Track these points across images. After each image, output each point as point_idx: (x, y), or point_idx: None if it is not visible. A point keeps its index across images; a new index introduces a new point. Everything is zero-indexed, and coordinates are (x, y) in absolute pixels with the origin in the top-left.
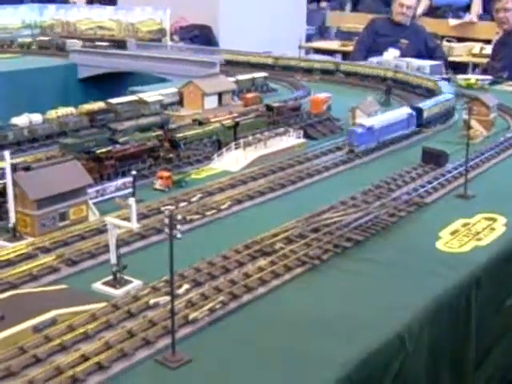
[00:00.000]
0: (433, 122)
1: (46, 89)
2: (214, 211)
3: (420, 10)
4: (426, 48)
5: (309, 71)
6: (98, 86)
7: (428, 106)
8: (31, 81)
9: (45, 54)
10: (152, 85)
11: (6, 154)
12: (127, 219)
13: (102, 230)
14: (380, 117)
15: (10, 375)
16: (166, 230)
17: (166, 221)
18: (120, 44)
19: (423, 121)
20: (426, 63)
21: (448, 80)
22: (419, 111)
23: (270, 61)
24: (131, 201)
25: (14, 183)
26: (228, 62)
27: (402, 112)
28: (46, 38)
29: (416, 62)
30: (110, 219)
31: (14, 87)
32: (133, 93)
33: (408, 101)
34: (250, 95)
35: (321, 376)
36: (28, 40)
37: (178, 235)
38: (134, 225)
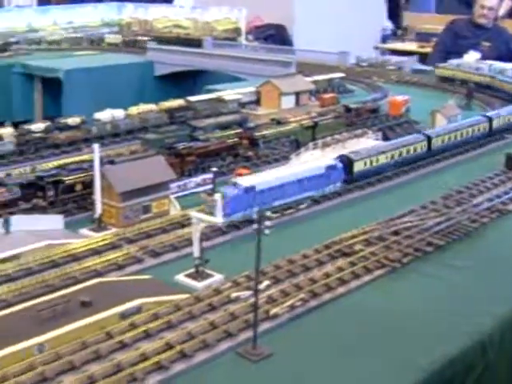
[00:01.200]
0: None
1: (123, 85)
2: (292, 210)
3: (502, 12)
4: (508, 50)
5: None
6: (174, 83)
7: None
8: (110, 77)
9: (123, 52)
10: (227, 83)
11: (96, 147)
12: (209, 214)
13: (183, 224)
14: (273, 172)
15: (97, 358)
16: (255, 225)
17: (255, 217)
18: (196, 42)
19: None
20: (509, 66)
21: None
22: (349, 163)
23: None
24: (217, 196)
25: (102, 176)
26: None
27: (320, 165)
28: (125, 37)
29: (498, 65)
30: (195, 213)
31: (93, 83)
32: (209, 91)
33: (490, 105)
34: (327, 96)
35: (401, 377)
36: (110, 38)
37: (266, 231)
38: (220, 219)
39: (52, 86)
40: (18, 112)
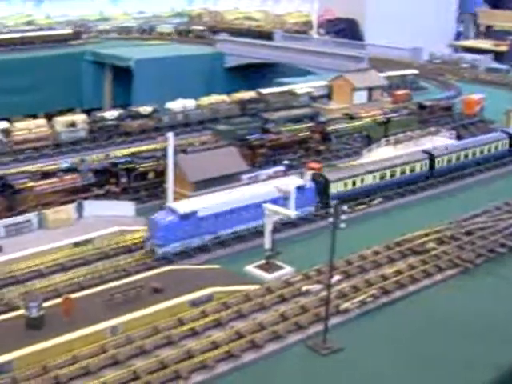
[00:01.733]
0: None
1: (192, 75)
2: (364, 206)
3: None
4: None
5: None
6: (242, 75)
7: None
8: (180, 67)
9: (194, 43)
10: (297, 77)
11: (170, 135)
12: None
13: None
14: (222, 195)
15: (169, 344)
16: (331, 219)
17: (332, 210)
18: (266, 35)
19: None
20: None
21: None
22: (324, 182)
23: None
24: (291, 188)
25: (175, 165)
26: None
27: (289, 183)
28: (196, 27)
29: None
30: (269, 205)
31: (163, 73)
32: (280, 84)
33: None
34: (399, 92)
35: (471, 374)
36: (161, 27)
37: (342, 225)
38: (293, 212)
39: (122, 75)
40: (88, 100)
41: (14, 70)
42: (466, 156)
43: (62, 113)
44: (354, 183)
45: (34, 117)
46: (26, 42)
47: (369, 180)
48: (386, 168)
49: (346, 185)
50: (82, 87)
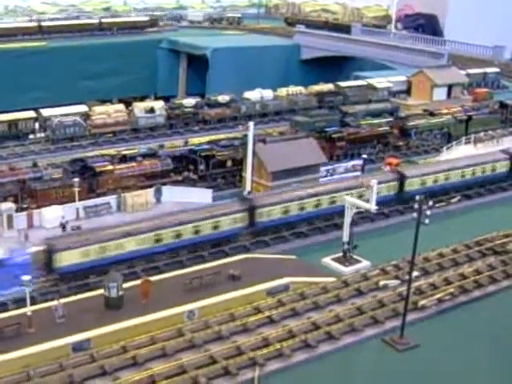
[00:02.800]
0: None
1: (268, 66)
2: (443, 204)
3: None
4: None
5: None
6: (318, 67)
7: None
8: (255, 58)
9: (270, 33)
10: (374, 71)
11: (251, 125)
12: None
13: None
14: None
15: (245, 331)
16: (415, 214)
17: (416, 206)
18: (344, 28)
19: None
20: None
21: None
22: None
23: None
24: (373, 182)
25: (254, 154)
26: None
27: None
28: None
29: None
30: (349, 198)
31: (238, 63)
32: (357, 78)
33: None
34: (480, 90)
35: None
36: (191, 15)
37: (426, 221)
38: (373, 206)
39: (197, 63)
40: (163, 87)
41: (90, 55)
42: None
43: (135, 99)
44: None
45: (109, 102)
46: (103, 28)
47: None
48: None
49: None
50: (157, 74)
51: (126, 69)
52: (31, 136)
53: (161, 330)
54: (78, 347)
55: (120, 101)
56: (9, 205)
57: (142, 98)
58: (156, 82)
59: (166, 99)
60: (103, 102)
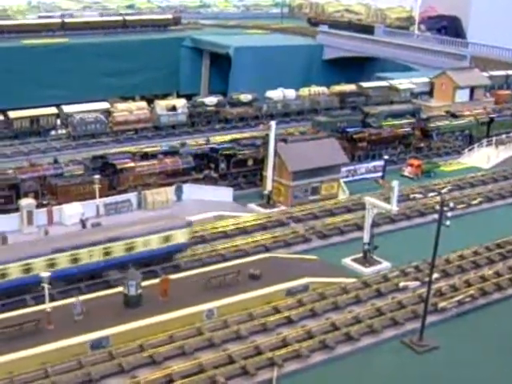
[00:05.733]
0: None
1: (290, 66)
2: (463, 205)
3: None
4: None
5: None
6: (341, 67)
7: None
8: (278, 57)
9: (293, 33)
10: (397, 72)
11: (273, 124)
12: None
13: (350, 209)
14: None
15: (264, 331)
16: (436, 215)
17: (438, 207)
18: (367, 29)
19: None
20: None
21: None
22: None
23: None
24: (394, 183)
25: (275, 153)
26: None
27: None
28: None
29: None
30: (370, 199)
31: (261, 62)
32: (380, 79)
33: None
34: (502, 92)
35: None
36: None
37: (447, 223)
38: (394, 207)
39: (219, 62)
40: (185, 85)
41: (113, 52)
42: None
43: (157, 97)
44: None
45: (131, 100)
46: (126, 25)
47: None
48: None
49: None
50: (180, 72)
51: (148, 66)
52: (52, 132)
53: (179, 328)
54: (96, 345)
55: (142, 98)
56: (29, 201)
57: (164, 96)
58: (178, 79)
59: (188, 97)
60: (125, 99)
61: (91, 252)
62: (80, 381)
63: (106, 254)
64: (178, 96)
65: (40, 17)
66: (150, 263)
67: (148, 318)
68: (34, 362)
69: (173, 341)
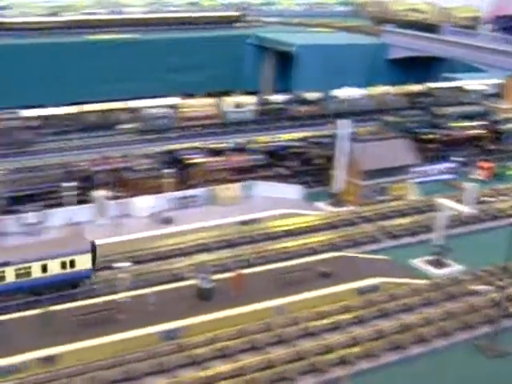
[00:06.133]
0: None
1: (355, 64)
2: None
3: None
4: None
5: None
6: (405, 67)
7: None
8: (342, 56)
9: (357, 32)
10: (464, 73)
11: (344, 122)
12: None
13: (421, 210)
14: None
15: (336, 329)
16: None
17: None
18: (433, 28)
19: None
20: None
21: None
22: None
23: None
24: (470, 185)
25: (346, 152)
26: None
27: None
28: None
29: None
30: (443, 201)
31: (326, 60)
32: (447, 79)
33: None
34: None
35: None
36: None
37: None
38: (469, 209)
39: (283, 60)
40: (248, 82)
41: (178, 49)
42: None
43: (220, 94)
44: None
45: (194, 96)
46: (191, 22)
47: None
48: None
49: None
50: (243, 70)
51: (212, 63)
52: (122, 126)
53: (250, 323)
54: (167, 336)
55: (208, 94)
56: (102, 193)
57: (226, 93)
58: (241, 77)
59: (250, 94)
60: (188, 95)
61: None
62: (153, 370)
63: None
64: (242, 93)
65: (111, 12)
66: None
67: (219, 312)
68: (107, 350)
69: (243, 335)
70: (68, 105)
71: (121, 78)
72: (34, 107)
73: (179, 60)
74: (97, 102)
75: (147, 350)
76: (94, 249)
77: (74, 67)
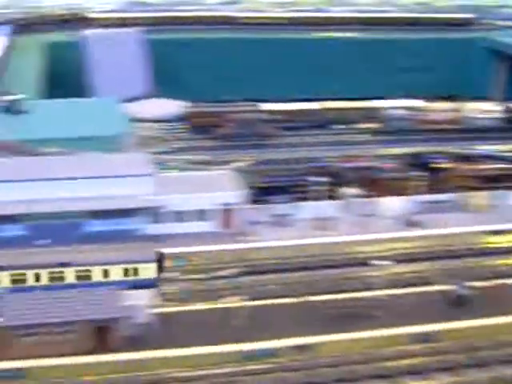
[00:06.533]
0: None
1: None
2: None
3: None
4: None
5: None
6: None
7: None
8: None
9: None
10: None
11: None
12: None
13: None
14: None
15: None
16: None
17: None
18: None
19: None
20: None
21: None
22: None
23: None
24: None
25: None
26: None
27: None
28: None
29: None
30: None
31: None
32: None
33: None
34: None
35: None
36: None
37: None
38: None
39: None
40: (475, 87)
41: (407, 50)
42: None
43: (444, 98)
44: None
45: (418, 99)
46: (419, 23)
47: None
48: None
49: None
50: (471, 74)
51: (439, 66)
52: (358, 126)
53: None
54: (419, 339)
55: (438, 98)
56: (351, 190)
57: (450, 97)
58: (467, 81)
59: (477, 101)
60: (412, 97)
61: None
62: (403, 371)
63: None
64: (468, 99)
65: (348, 11)
66: None
67: (477, 319)
68: (358, 345)
69: (501, 346)
70: (295, 101)
71: (343, 77)
72: (261, 101)
73: (403, 61)
74: (323, 99)
75: (398, 349)
76: (160, 258)
77: (304, 63)
